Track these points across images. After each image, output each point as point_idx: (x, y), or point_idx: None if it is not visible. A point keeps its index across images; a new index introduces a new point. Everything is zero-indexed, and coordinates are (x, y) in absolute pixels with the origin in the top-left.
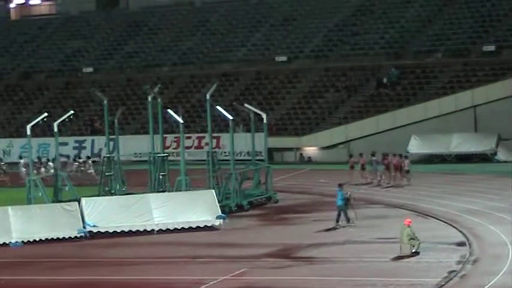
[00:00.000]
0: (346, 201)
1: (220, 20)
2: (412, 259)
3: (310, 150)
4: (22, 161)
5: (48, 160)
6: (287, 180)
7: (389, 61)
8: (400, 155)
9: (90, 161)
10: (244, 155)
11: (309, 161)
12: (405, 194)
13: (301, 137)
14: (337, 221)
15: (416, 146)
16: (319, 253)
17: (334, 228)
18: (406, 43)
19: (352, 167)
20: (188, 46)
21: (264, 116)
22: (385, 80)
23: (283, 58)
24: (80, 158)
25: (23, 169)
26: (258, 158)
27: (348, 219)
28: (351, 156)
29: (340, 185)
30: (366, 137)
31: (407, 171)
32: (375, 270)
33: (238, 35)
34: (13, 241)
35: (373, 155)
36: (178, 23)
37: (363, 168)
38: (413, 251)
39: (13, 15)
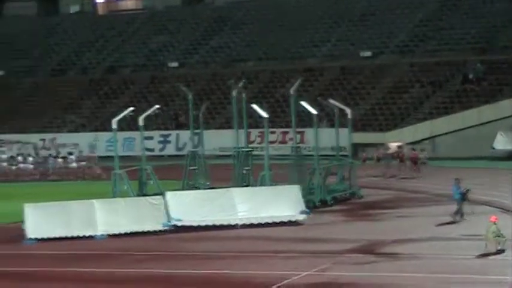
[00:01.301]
0: (463, 195)
1: (304, 15)
2: (498, 256)
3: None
4: (4, 156)
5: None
6: (372, 176)
7: (475, 56)
8: (413, 149)
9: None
10: (328, 151)
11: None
12: (490, 191)
13: (386, 133)
14: (461, 215)
15: (502, 143)
16: (404, 249)
17: (452, 222)
18: (492, 38)
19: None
20: (273, 41)
21: (348, 111)
22: (471, 76)
23: (368, 53)
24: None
25: (4, 164)
26: (341, 153)
27: (461, 214)
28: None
29: (456, 180)
30: (451, 133)
31: (423, 163)
32: (461, 267)
33: (323, 30)
34: (98, 234)
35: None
36: (263, 18)
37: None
38: (499, 248)
39: (100, 10)
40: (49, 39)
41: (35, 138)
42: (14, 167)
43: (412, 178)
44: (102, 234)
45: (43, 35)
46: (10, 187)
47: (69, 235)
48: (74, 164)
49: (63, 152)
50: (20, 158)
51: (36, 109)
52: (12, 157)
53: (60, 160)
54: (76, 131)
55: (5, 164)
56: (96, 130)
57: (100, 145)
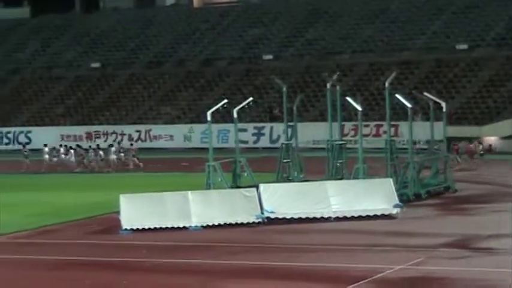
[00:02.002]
0: None
1: (400, 8)
2: None
3: (491, 140)
4: (46, 148)
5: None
6: (466, 170)
7: None
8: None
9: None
10: (423, 144)
11: (489, 150)
12: None
13: (482, 127)
14: None
15: None
16: (499, 244)
17: None
18: None
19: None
20: (368, 34)
21: (443, 104)
22: None
23: (464, 46)
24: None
25: (46, 156)
26: (436, 147)
27: None
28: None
29: None
30: None
31: (481, 155)
32: None
33: (419, 23)
34: (193, 225)
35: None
36: (358, 11)
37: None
38: None
39: (195, 3)
40: (145, 32)
41: (130, 129)
42: (55, 159)
43: (469, 170)
44: (196, 226)
45: (139, 27)
46: (95, 178)
47: (163, 226)
48: (114, 156)
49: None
50: (62, 150)
51: (132, 101)
52: (54, 148)
53: (101, 152)
54: (171, 122)
55: (46, 156)
56: (192, 122)
57: (195, 137)
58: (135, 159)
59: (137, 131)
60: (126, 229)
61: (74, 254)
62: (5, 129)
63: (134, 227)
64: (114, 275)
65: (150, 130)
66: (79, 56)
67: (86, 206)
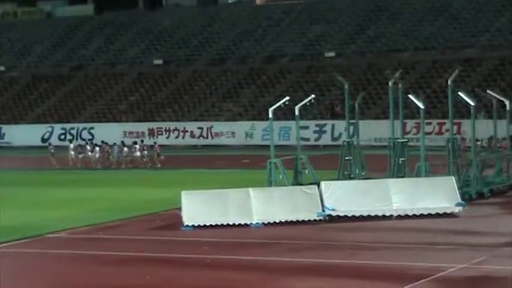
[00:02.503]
0: None
1: (463, 5)
2: None
3: None
4: (71, 145)
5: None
6: None
7: None
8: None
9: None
10: (485, 143)
11: None
12: None
13: None
14: None
15: None
16: None
17: None
18: None
19: None
20: (430, 31)
21: (507, 102)
22: None
23: None
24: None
25: (72, 152)
26: (498, 145)
27: None
28: None
29: None
30: None
31: None
32: None
33: (482, 20)
34: (254, 222)
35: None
36: (420, 8)
37: None
38: None
39: (258, 1)
40: (208, 29)
41: (192, 126)
42: (80, 155)
43: None
44: (257, 223)
45: (202, 24)
46: (157, 174)
47: (225, 223)
48: (138, 153)
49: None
50: (88, 147)
51: (194, 98)
52: (80, 146)
53: (126, 149)
54: (233, 119)
55: (72, 152)
56: (253, 119)
57: (256, 134)
58: (159, 157)
59: (199, 128)
60: (187, 225)
61: (135, 250)
62: (68, 126)
63: (195, 224)
64: (175, 270)
65: (211, 127)
66: (142, 53)
67: (149, 202)
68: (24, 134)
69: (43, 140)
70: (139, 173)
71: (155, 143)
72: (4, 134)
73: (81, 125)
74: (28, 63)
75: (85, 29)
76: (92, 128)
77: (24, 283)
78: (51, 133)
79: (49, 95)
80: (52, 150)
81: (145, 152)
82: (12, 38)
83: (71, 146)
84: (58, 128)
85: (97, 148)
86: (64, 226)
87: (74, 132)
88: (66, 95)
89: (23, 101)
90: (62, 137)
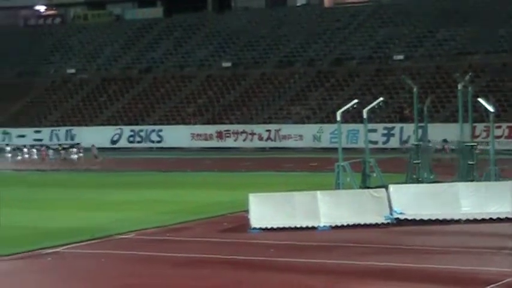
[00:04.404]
0: None
1: None
2: None
3: None
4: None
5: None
6: None
7: None
8: None
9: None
10: None
11: None
12: None
13: None
14: None
15: None
16: None
17: None
18: None
19: None
20: (501, 33)
21: None
22: None
23: None
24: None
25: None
26: None
27: None
28: None
29: None
30: None
31: None
32: None
33: None
34: (321, 225)
35: None
36: (490, 11)
37: None
38: None
39: (326, 3)
40: (276, 31)
41: (260, 129)
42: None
43: None
44: (324, 226)
45: (270, 27)
46: (223, 176)
47: (292, 225)
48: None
49: None
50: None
51: (262, 100)
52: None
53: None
54: (301, 122)
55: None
56: (321, 122)
57: (324, 137)
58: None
59: (267, 131)
60: (254, 228)
61: (203, 252)
62: (137, 128)
63: (263, 226)
64: (242, 272)
65: (279, 130)
66: (210, 56)
67: (216, 204)
68: (94, 136)
69: (112, 141)
70: (206, 175)
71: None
72: (74, 135)
73: (149, 127)
74: (98, 65)
75: (154, 31)
76: (160, 130)
77: (93, 283)
78: (120, 135)
79: (118, 97)
80: (62, 151)
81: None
82: (82, 40)
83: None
84: (127, 130)
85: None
86: (132, 227)
87: (142, 134)
88: (135, 98)
89: (92, 103)
90: (131, 139)
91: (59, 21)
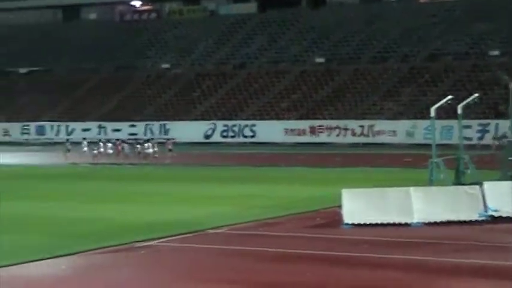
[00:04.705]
0: None
1: None
2: None
3: None
4: (85, 142)
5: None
6: None
7: None
8: None
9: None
10: None
11: None
12: None
13: None
14: None
15: None
16: None
17: None
18: None
19: None
20: None
21: None
22: None
23: None
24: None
25: (85, 149)
26: None
27: None
28: None
29: None
30: None
31: None
32: None
33: None
34: (414, 221)
35: None
36: None
37: None
38: None
39: None
40: (370, 27)
41: (353, 124)
42: (95, 151)
43: None
44: (417, 222)
45: (364, 22)
46: (312, 172)
47: (384, 222)
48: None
49: None
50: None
51: (355, 96)
52: (93, 142)
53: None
54: (394, 118)
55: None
56: (415, 118)
57: (418, 133)
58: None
59: (360, 126)
60: (347, 223)
61: (295, 247)
62: (230, 123)
63: (356, 222)
64: (335, 268)
65: (372, 125)
66: (304, 51)
67: (308, 200)
68: (188, 131)
69: (205, 136)
70: (299, 170)
71: (168, 140)
72: (169, 129)
73: (243, 122)
74: (192, 60)
75: (248, 27)
76: (254, 125)
77: (184, 275)
78: (213, 130)
79: (212, 92)
80: (69, 147)
81: (157, 149)
82: (177, 35)
83: (84, 142)
84: (220, 125)
85: (109, 145)
86: (225, 222)
87: (236, 129)
88: (229, 93)
89: (186, 98)
90: (225, 133)
91: (155, 17)
